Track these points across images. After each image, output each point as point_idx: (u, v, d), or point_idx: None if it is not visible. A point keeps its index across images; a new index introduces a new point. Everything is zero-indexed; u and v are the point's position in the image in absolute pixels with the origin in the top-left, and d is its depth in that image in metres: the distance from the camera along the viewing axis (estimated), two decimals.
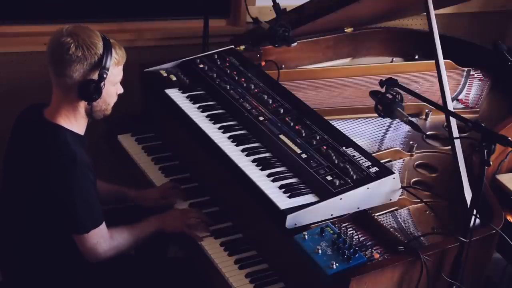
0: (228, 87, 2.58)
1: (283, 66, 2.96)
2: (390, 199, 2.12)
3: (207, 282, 2.17)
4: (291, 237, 1.94)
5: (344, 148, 2.22)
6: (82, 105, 2.08)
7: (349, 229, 2.05)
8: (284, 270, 2.08)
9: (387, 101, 2.12)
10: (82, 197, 2.03)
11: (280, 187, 2.08)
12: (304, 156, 2.19)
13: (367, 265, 1.88)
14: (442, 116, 2.57)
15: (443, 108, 2.18)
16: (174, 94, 2.57)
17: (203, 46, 3.10)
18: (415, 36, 3.26)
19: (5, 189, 2.20)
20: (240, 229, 2.26)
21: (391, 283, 1.91)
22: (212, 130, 2.36)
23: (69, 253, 2.11)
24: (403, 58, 3.24)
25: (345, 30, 3.19)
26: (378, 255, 1.94)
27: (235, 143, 2.29)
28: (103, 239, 2.11)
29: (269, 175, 2.13)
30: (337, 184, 2.06)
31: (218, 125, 2.39)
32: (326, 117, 2.44)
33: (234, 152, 2.24)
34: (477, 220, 1.92)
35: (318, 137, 2.28)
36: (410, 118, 2.10)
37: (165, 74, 2.70)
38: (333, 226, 1.98)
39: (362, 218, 2.09)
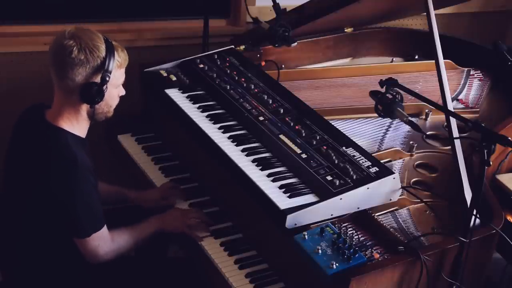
0: (228, 87, 2.58)
1: (283, 66, 2.96)
2: (390, 199, 2.12)
3: (207, 282, 2.17)
4: (291, 237, 1.94)
5: (344, 148, 2.22)
6: (84, 107, 2.07)
7: (349, 229, 2.05)
8: (284, 270, 2.08)
9: (387, 101, 2.12)
10: (83, 200, 2.03)
11: (280, 187, 2.08)
12: (304, 156, 2.19)
13: (367, 265, 1.88)
14: (442, 116, 2.57)
15: (443, 108, 2.18)
16: (174, 94, 2.57)
17: (203, 46, 3.10)
18: (415, 36, 3.26)
19: (6, 190, 2.20)
20: (240, 229, 2.26)
21: (391, 283, 1.91)
22: (212, 130, 2.36)
23: (70, 254, 2.11)
24: (403, 58, 3.24)
25: (345, 30, 3.19)
26: (378, 255, 1.94)
27: (235, 143, 2.29)
28: (104, 241, 2.10)
29: (269, 175, 2.13)
30: (337, 184, 2.06)
31: (218, 125, 2.39)
32: (326, 117, 2.44)
33: (234, 152, 2.24)
34: (477, 220, 1.92)
35: (318, 137, 2.28)
36: (410, 118, 2.10)
37: (165, 74, 2.70)
38: (333, 226, 1.98)
39: (362, 218, 2.09)
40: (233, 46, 2.90)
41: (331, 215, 2.04)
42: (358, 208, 2.07)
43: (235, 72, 2.68)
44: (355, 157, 2.17)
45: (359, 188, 2.04)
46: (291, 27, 2.72)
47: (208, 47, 3.09)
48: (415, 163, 2.44)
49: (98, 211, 2.09)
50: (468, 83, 3.01)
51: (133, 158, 2.63)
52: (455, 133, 2.15)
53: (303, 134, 2.29)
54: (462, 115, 2.02)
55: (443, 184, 2.32)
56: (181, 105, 2.50)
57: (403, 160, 2.45)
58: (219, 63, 2.75)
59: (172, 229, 2.26)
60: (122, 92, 2.17)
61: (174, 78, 2.67)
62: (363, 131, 2.58)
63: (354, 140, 2.30)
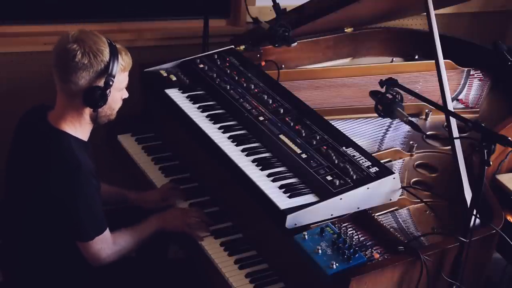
0: (228, 87, 2.58)
1: (283, 66, 2.96)
2: (390, 199, 2.12)
3: (207, 282, 2.17)
4: (291, 237, 1.94)
5: (344, 148, 2.22)
6: (87, 111, 2.06)
7: (349, 229, 2.05)
8: (284, 270, 2.08)
9: (387, 101, 2.12)
10: (87, 204, 2.03)
11: (280, 187, 2.08)
12: (304, 156, 2.19)
13: (367, 265, 1.88)
14: (442, 116, 2.57)
15: (443, 108, 2.18)
16: (174, 94, 2.57)
17: (203, 46, 3.10)
18: (415, 36, 3.26)
19: (8, 192, 2.19)
20: (240, 229, 2.26)
21: (391, 283, 1.91)
22: (212, 130, 2.36)
23: (70, 256, 2.11)
24: (403, 58, 3.24)
25: (345, 30, 3.19)
26: (378, 255, 1.94)
27: (235, 143, 2.29)
28: (107, 244, 2.11)
29: (269, 175, 2.13)
30: (337, 184, 2.06)
31: (218, 125, 2.39)
32: (326, 117, 2.44)
33: (234, 152, 2.24)
34: (477, 220, 1.92)
35: (318, 137, 2.28)
36: (410, 118, 2.10)
37: (165, 74, 2.70)
38: (333, 226, 1.98)
39: (362, 218, 2.09)
40: (233, 46, 2.90)
41: (331, 215, 2.04)
42: (358, 208, 2.07)
43: (235, 72, 2.68)
44: (355, 157, 2.17)
45: (359, 188, 2.04)
46: (291, 27, 2.72)
47: (208, 47, 3.09)
48: (415, 163, 2.44)
49: (100, 214, 2.08)
50: (468, 83, 3.01)
51: (133, 158, 2.63)
52: (455, 133, 2.15)
53: (303, 134, 2.29)
54: (462, 115, 2.02)
55: (443, 184, 2.32)
56: (181, 105, 2.50)
57: (403, 160, 2.45)
58: (219, 63, 2.75)
59: (172, 228, 2.26)
60: (125, 95, 2.16)
61: (174, 78, 2.67)
62: (363, 131, 2.58)
63: (354, 140, 2.30)
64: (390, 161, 2.42)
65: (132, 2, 3.30)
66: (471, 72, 3.08)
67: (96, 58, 1.98)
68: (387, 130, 2.61)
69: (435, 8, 2.33)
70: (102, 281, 2.21)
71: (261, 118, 2.40)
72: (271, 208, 2.01)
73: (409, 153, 2.47)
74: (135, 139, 2.73)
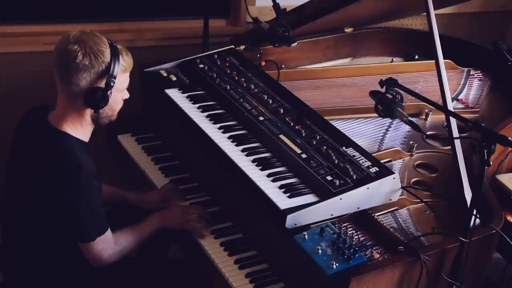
0: (228, 87, 2.58)
1: (283, 66, 2.96)
2: (390, 199, 2.12)
3: (207, 282, 2.17)
4: (291, 237, 1.94)
5: (344, 148, 2.22)
6: (88, 112, 2.06)
7: (349, 229, 2.05)
8: (284, 270, 2.08)
9: (387, 101, 2.12)
10: (88, 205, 2.03)
11: (280, 187, 2.08)
12: (304, 156, 2.19)
13: (367, 265, 1.88)
14: (442, 116, 2.57)
15: (443, 108, 2.18)
16: (174, 94, 2.57)
17: (203, 46, 3.10)
18: (415, 36, 3.26)
19: (8, 193, 2.19)
20: (240, 229, 2.26)
21: (391, 283, 1.91)
22: (212, 130, 2.36)
23: (71, 256, 2.11)
24: (403, 58, 3.24)
25: (345, 30, 3.19)
26: (378, 255, 1.94)
27: (235, 143, 2.29)
28: (108, 244, 2.11)
29: (269, 175, 2.13)
30: (337, 184, 2.06)
31: (218, 125, 2.38)
32: (326, 117, 2.44)
33: (234, 152, 2.24)
34: (477, 220, 1.92)
35: (318, 137, 2.28)
36: (410, 118, 2.10)
37: (165, 74, 2.70)
38: (333, 226, 1.98)
39: (362, 218, 2.09)
40: (233, 46, 2.90)
41: (331, 215, 2.04)
42: (358, 208, 2.07)
43: (235, 72, 2.68)
44: (355, 157, 2.17)
45: (359, 188, 2.04)
46: (291, 27, 2.72)
47: (208, 47, 3.09)
48: (415, 163, 2.44)
49: (101, 214, 2.08)
50: (468, 83, 3.01)
51: (133, 158, 2.63)
52: (455, 133, 2.15)
53: (303, 134, 2.29)
54: (462, 115, 2.02)
55: (443, 184, 2.32)
56: (181, 105, 2.50)
57: (403, 160, 2.45)
58: (219, 63, 2.75)
59: (173, 226, 2.26)
60: (126, 95, 2.16)
61: (174, 78, 2.67)
62: (363, 131, 2.58)
63: (354, 140, 2.30)
64: (390, 161, 2.42)
65: (132, 2, 3.30)
66: (471, 72, 3.08)
67: (97, 59, 1.98)
68: (387, 130, 2.61)
69: (435, 8, 2.33)
70: (102, 281, 2.21)
71: (261, 118, 2.40)
72: (271, 208, 2.01)
73: (409, 153, 2.47)
74: (135, 139, 2.73)
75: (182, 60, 2.78)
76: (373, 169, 2.11)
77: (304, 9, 2.88)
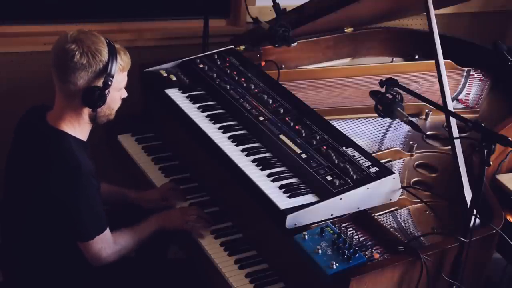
0: (228, 87, 2.58)
1: (283, 66, 2.96)
2: (390, 199, 2.12)
3: (207, 282, 2.17)
4: (291, 237, 1.94)
5: (344, 148, 2.22)
6: (86, 111, 2.06)
7: (349, 229, 2.05)
8: (284, 270, 2.08)
9: (387, 101, 2.12)
10: (88, 204, 2.03)
11: (280, 187, 2.08)
12: (304, 156, 2.19)
13: (367, 265, 1.88)
14: (442, 116, 2.57)
15: (443, 108, 2.18)
16: (174, 94, 2.57)
17: (203, 46, 3.10)
18: (415, 36, 3.26)
19: (7, 193, 2.19)
20: (240, 229, 2.26)
21: (391, 283, 1.91)
22: (212, 130, 2.36)
23: (70, 256, 2.11)
24: (403, 58, 3.24)
25: (345, 30, 3.19)
26: (378, 255, 1.94)
27: (235, 143, 2.29)
28: (107, 244, 2.11)
29: (269, 175, 2.13)
30: (337, 184, 2.06)
31: (218, 125, 2.38)
32: (326, 117, 2.44)
33: (234, 152, 2.24)
34: (477, 220, 1.92)
35: (318, 137, 2.28)
36: (410, 118, 2.10)
37: (165, 74, 2.70)
38: (333, 226, 1.98)
39: (362, 218, 2.09)
40: (233, 46, 2.90)
41: (331, 215, 2.04)
42: (358, 208, 2.07)
43: (235, 72, 2.68)
44: (355, 157, 2.17)
45: (359, 188, 2.04)
46: (291, 27, 2.72)
47: (208, 47, 3.09)
48: (415, 163, 2.44)
49: (101, 213, 2.08)
50: (468, 83, 3.01)
51: (133, 158, 2.63)
52: (455, 133, 2.15)
53: (303, 134, 2.29)
54: (462, 115, 2.02)
55: (443, 184, 2.32)
56: (181, 105, 2.50)
57: (403, 160, 2.45)
58: (219, 63, 2.75)
59: (172, 227, 2.26)
60: (124, 94, 2.16)
61: (174, 78, 2.67)
62: (363, 131, 2.58)
63: (354, 140, 2.30)
64: (390, 161, 2.42)
65: (132, 2, 3.30)
66: (471, 72, 3.08)
67: (94, 58, 1.98)
68: (387, 130, 2.61)
69: (435, 8, 2.33)
70: (102, 281, 2.21)
71: (261, 118, 2.40)
72: (271, 208, 2.01)
73: (409, 153, 2.47)
74: (135, 139, 2.73)
75: (182, 60, 2.78)
76: (373, 169, 2.11)
77: (304, 9, 2.88)
